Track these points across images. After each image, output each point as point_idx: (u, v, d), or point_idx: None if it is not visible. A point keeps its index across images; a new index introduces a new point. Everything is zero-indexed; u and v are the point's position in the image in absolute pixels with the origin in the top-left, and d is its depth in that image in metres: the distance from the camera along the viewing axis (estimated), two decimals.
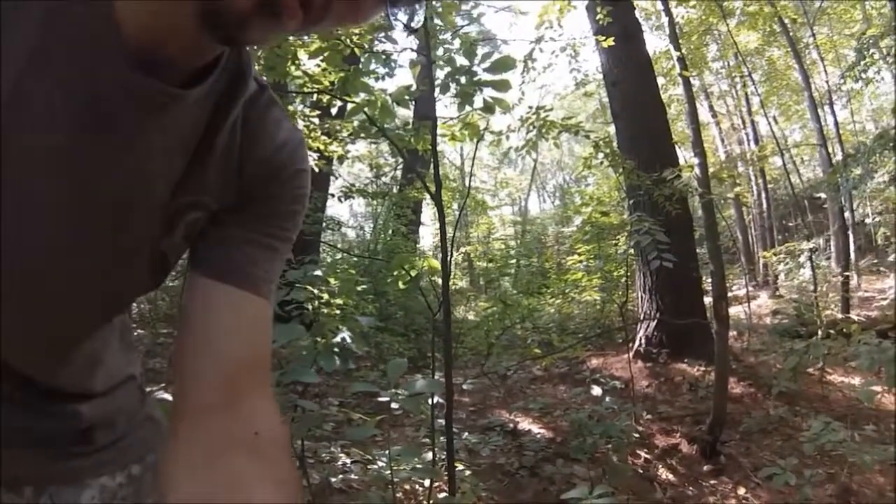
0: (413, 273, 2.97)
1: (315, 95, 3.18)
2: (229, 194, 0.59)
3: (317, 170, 4.91)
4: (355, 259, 7.25)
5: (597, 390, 4.77)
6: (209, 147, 0.56)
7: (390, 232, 9.26)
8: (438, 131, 2.84)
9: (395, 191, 9.73)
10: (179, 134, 0.54)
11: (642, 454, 4.03)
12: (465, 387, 5.07)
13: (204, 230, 0.59)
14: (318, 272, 2.94)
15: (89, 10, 0.47)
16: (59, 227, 0.51)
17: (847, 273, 8.12)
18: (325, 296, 2.87)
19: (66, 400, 0.63)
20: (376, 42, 3.28)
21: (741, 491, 3.56)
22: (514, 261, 12.53)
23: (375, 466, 2.75)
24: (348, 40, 2.81)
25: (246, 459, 0.51)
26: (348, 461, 3.37)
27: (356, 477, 3.24)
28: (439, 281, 2.71)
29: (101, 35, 0.47)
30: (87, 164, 0.50)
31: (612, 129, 7.76)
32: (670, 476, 3.79)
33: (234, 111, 0.57)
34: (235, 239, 0.59)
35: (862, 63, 7.60)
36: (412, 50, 2.95)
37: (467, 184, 12.72)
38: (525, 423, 4.61)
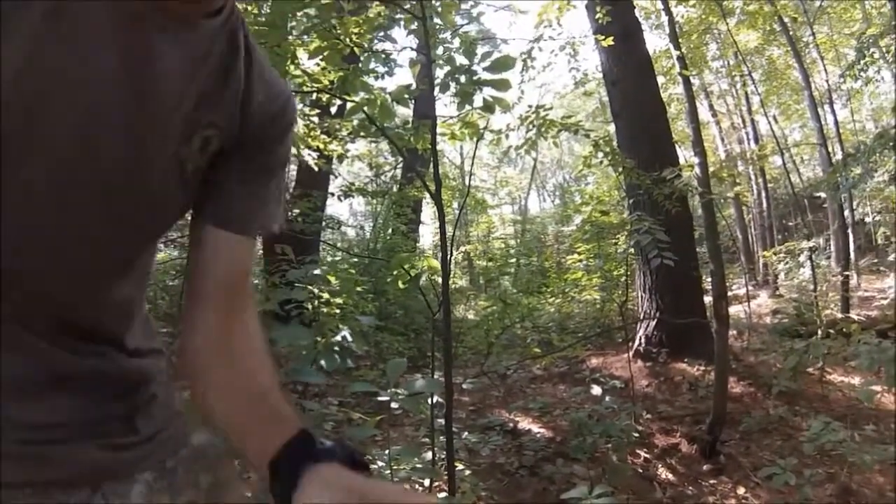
0: (413, 272, 2.97)
1: (315, 94, 3.17)
2: (235, 127, 0.69)
3: (316, 169, 4.92)
4: (355, 259, 7.25)
5: (596, 390, 4.77)
6: (223, 80, 0.66)
7: (390, 231, 9.25)
8: (438, 130, 2.83)
9: (394, 190, 9.73)
10: (196, 59, 0.63)
11: (642, 454, 4.03)
12: (464, 386, 5.07)
13: (210, 180, 0.70)
14: (318, 271, 2.94)
15: None
16: (99, 136, 0.57)
17: (847, 272, 8.12)
18: (326, 295, 2.87)
19: (109, 343, 0.68)
20: (376, 41, 3.28)
21: (741, 490, 3.56)
22: (513, 260, 12.54)
23: (375, 466, 2.74)
24: (348, 39, 2.80)
25: (243, 340, 0.71)
26: None
27: None
28: (439, 280, 2.71)
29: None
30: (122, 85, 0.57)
31: (611, 128, 7.76)
32: (670, 475, 3.79)
33: (240, 55, 0.67)
34: (236, 193, 0.72)
35: (862, 62, 7.59)
36: (412, 49, 2.95)
37: (467, 182, 12.72)
38: (525, 423, 4.61)
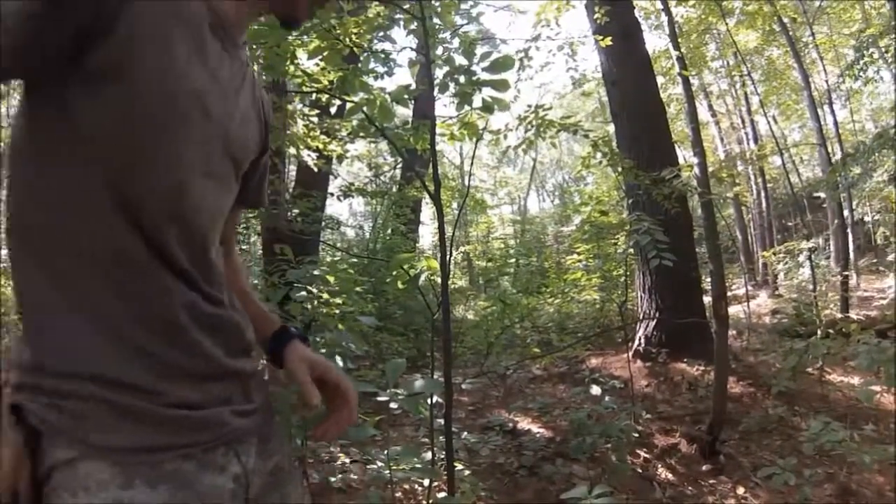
0: (412, 272, 2.96)
1: (314, 94, 3.17)
2: (263, 130, 0.96)
3: (316, 169, 4.92)
4: (354, 259, 7.24)
5: (596, 390, 4.76)
6: (254, 93, 0.90)
7: (389, 231, 9.25)
8: (437, 130, 2.82)
9: (394, 190, 9.73)
10: (243, 73, 0.87)
11: (642, 454, 4.03)
12: (464, 386, 5.07)
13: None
14: (317, 272, 2.93)
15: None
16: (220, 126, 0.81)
17: (846, 272, 8.12)
18: (325, 295, 2.86)
19: (222, 292, 0.84)
20: (375, 41, 3.28)
21: (740, 490, 3.56)
22: (513, 260, 12.54)
23: (374, 466, 2.74)
24: (347, 39, 2.80)
25: (238, 267, 1.03)
26: (348, 461, 3.37)
27: (355, 477, 3.24)
28: (438, 280, 2.71)
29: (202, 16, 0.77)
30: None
31: (611, 128, 7.76)
32: (669, 475, 3.79)
33: (255, 77, 0.92)
34: (250, 184, 0.98)
35: (861, 62, 7.60)
36: (411, 49, 2.95)
37: (466, 183, 12.74)
38: (524, 423, 4.61)
